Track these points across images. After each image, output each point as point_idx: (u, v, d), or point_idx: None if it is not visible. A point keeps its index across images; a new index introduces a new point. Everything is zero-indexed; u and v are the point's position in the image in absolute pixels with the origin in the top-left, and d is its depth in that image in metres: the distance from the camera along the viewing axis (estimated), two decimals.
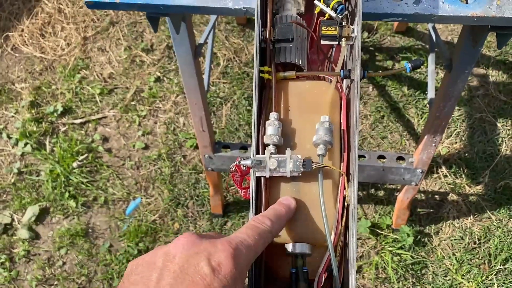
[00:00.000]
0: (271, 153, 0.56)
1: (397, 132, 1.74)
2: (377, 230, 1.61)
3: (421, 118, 1.75)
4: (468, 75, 0.99)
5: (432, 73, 1.37)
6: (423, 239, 1.60)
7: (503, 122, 1.73)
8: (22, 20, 1.97)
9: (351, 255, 0.53)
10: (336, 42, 0.61)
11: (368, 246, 1.60)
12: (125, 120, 1.80)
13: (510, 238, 1.58)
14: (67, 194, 1.67)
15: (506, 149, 1.70)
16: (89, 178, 1.70)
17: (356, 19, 0.59)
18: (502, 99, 1.76)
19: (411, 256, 1.57)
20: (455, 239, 1.59)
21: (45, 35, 1.95)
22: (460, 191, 1.65)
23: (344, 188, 0.56)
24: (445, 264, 1.56)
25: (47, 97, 1.84)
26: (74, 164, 1.71)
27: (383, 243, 1.59)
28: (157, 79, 1.86)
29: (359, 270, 1.57)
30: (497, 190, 1.64)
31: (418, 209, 1.64)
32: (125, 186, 1.70)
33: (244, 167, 0.56)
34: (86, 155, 1.74)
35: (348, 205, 0.56)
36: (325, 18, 0.62)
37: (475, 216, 1.62)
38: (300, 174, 0.55)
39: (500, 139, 1.71)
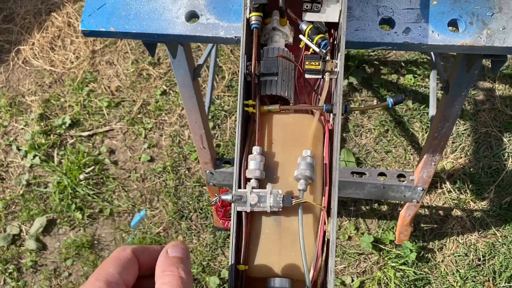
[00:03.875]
0: (253, 188, 0.57)
1: (401, 147, 1.74)
2: (380, 246, 1.61)
3: (426, 133, 1.74)
4: (465, 97, 0.99)
5: (433, 90, 1.37)
6: (426, 255, 1.59)
7: (509, 137, 1.72)
8: (33, 34, 2.02)
9: None
10: (320, 76, 0.62)
11: (370, 262, 1.59)
12: (131, 133, 1.83)
13: None
14: (73, 206, 1.70)
15: None
16: (96, 190, 1.73)
17: (339, 54, 0.60)
18: (509, 114, 1.75)
19: (414, 272, 1.56)
20: (459, 256, 1.58)
21: (55, 49, 1.99)
22: (464, 206, 1.64)
23: (325, 223, 0.57)
24: (448, 280, 1.55)
25: (56, 109, 1.88)
26: (81, 176, 1.74)
27: (386, 258, 1.59)
28: (163, 92, 1.88)
29: (361, 285, 1.57)
30: (503, 206, 1.62)
31: (422, 224, 1.63)
32: (130, 198, 1.72)
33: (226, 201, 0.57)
34: (93, 167, 1.77)
35: (328, 240, 0.56)
36: (309, 53, 0.63)
37: (479, 232, 1.61)
38: (280, 209, 0.56)
39: (506, 154, 1.69)
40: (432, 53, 1.25)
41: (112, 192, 1.74)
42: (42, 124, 1.85)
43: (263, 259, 0.56)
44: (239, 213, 0.57)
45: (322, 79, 0.70)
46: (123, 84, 1.91)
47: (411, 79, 1.81)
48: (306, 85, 0.67)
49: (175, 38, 0.78)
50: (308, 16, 0.67)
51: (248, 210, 0.56)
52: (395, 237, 1.60)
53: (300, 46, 0.65)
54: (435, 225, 1.63)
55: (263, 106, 0.62)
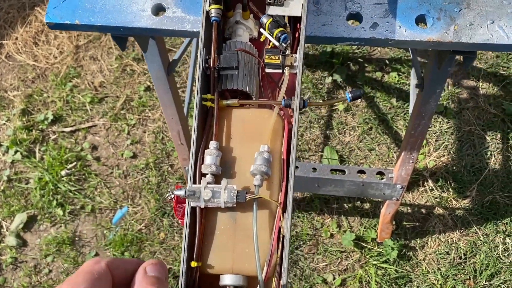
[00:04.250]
0: (208, 183, 0.56)
1: (384, 144, 1.73)
2: (362, 243, 1.60)
3: None
4: (439, 94, 0.99)
5: (414, 88, 1.36)
6: (408, 253, 1.59)
7: (492, 136, 1.72)
8: (17, 29, 2.00)
9: (282, 285, 0.53)
10: (280, 71, 0.61)
11: (352, 259, 1.59)
12: (114, 129, 1.82)
13: (496, 254, 1.56)
14: (54, 202, 1.69)
15: (495, 163, 1.68)
16: (77, 186, 1.72)
17: (298, 48, 0.60)
18: (492, 112, 1.74)
19: (395, 270, 1.56)
20: (440, 254, 1.58)
21: (39, 43, 1.98)
22: (446, 205, 1.64)
23: (280, 219, 0.56)
24: (429, 279, 1.55)
25: (39, 105, 1.87)
26: (63, 172, 1.73)
27: (367, 256, 1.59)
28: (147, 88, 1.87)
29: (343, 283, 1.57)
30: (484, 204, 1.62)
31: (404, 222, 1.63)
32: (112, 194, 1.71)
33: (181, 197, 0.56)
34: (74, 163, 1.75)
35: (284, 236, 0.56)
36: (269, 47, 0.62)
37: (461, 231, 1.61)
38: (235, 205, 0.55)
39: (489, 153, 1.69)
40: (410, 50, 1.24)
41: (94, 188, 1.72)
42: (24, 119, 1.83)
43: (217, 255, 0.55)
44: (193, 209, 0.56)
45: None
46: (106, 80, 1.89)
47: (395, 77, 1.80)
48: (269, 80, 0.66)
49: (141, 32, 0.77)
50: (271, 10, 0.66)
51: (202, 206, 0.55)
52: (376, 235, 1.60)
53: (261, 39, 0.64)
54: (417, 223, 1.63)
55: (221, 100, 0.61)
